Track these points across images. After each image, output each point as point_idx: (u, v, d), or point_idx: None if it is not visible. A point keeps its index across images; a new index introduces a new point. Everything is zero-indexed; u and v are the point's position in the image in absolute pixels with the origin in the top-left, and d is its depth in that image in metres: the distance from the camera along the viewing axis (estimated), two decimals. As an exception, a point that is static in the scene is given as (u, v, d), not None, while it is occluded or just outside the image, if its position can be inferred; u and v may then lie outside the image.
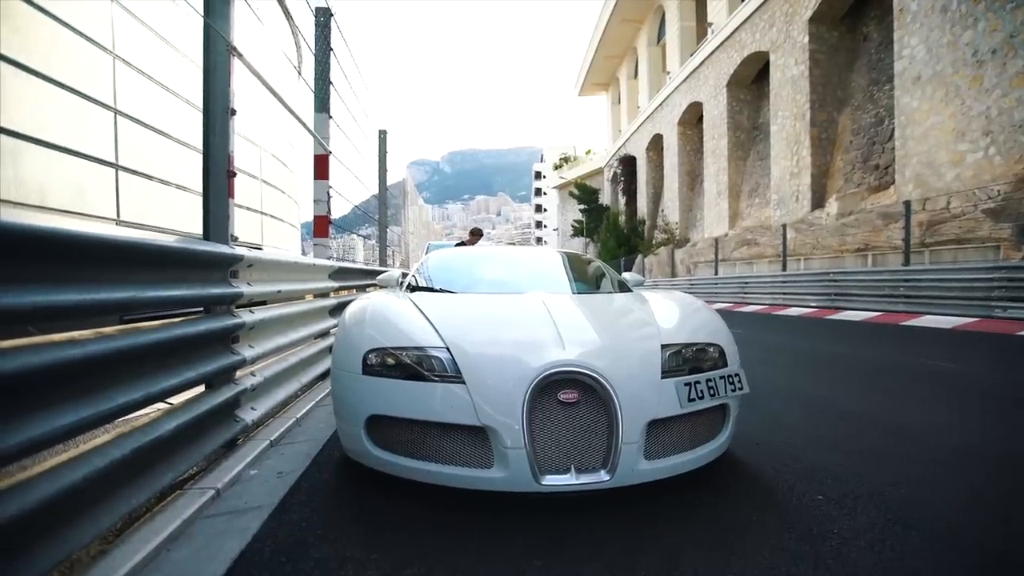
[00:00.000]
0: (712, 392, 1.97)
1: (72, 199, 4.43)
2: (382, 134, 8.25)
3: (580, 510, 1.78)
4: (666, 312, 2.38)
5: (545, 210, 76.27)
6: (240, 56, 2.58)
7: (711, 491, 1.95)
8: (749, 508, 1.81)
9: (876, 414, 3.09)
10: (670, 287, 19.76)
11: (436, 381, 1.83)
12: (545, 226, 76.32)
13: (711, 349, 2.13)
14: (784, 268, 13.89)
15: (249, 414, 2.56)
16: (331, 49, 4.60)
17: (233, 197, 2.53)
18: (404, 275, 3.42)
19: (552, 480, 1.69)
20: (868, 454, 2.36)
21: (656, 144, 28.26)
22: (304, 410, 3.13)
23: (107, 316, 1.61)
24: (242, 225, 7.36)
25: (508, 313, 2.26)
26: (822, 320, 10.17)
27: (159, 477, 1.79)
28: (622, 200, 34.41)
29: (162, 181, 5.47)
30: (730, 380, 2.06)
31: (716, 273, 17.68)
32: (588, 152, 51.92)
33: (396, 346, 1.97)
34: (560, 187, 54.27)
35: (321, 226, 4.44)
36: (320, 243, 4.45)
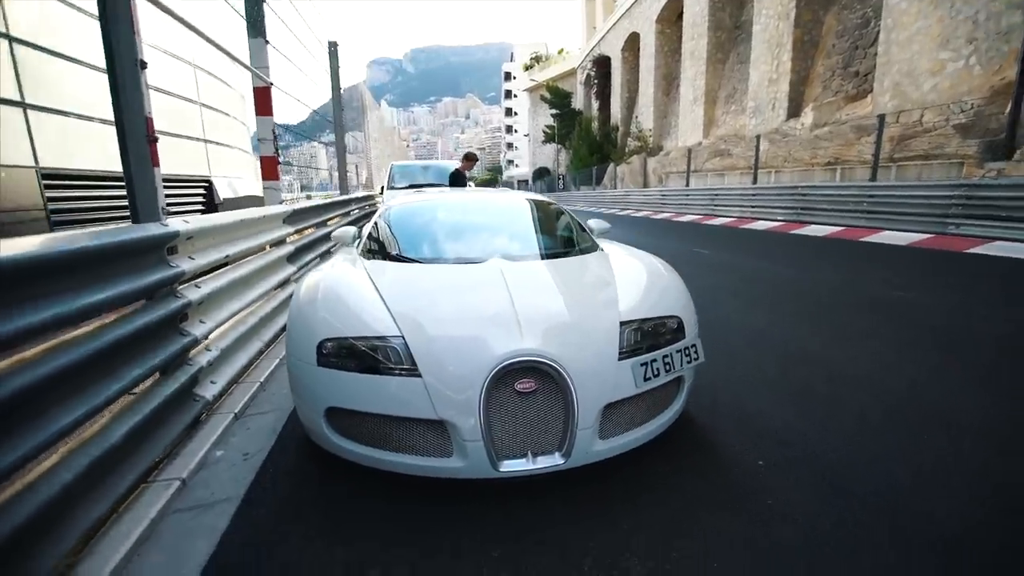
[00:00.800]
0: (668, 368, 2.01)
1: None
2: (332, 47, 7.41)
3: (539, 493, 1.87)
4: (629, 280, 2.35)
5: (516, 114, 72.53)
6: (140, -10, 2.16)
7: (663, 460, 2.06)
8: (695, 479, 1.94)
9: (821, 355, 3.25)
10: (643, 200, 19.66)
11: (392, 374, 1.81)
12: (516, 131, 73.09)
13: (670, 322, 2.14)
14: (755, 181, 13.89)
15: (209, 389, 2.53)
16: (257, -46, 3.90)
17: (158, 166, 2.27)
18: (360, 227, 3.25)
19: (510, 465, 1.75)
20: (811, 402, 2.52)
21: (632, 44, 26.48)
22: (267, 372, 3.09)
23: (33, 340, 1.48)
24: (186, 158, 6.68)
25: (465, 290, 2.20)
26: (786, 235, 10.39)
27: (120, 479, 1.78)
28: (595, 105, 32.93)
29: (81, 116, 4.77)
30: (687, 352, 2.10)
31: (687, 184, 17.59)
32: (561, 51, 48.39)
33: (351, 335, 1.91)
34: (531, 90, 51.22)
35: (269, 167, 4.08)
36: (270, 186, 4.13)
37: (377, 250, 2.72)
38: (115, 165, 5.67)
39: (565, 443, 1.78)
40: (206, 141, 7.03)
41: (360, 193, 9.40)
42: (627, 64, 27.63)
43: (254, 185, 7.75)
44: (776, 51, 14.98)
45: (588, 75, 33.48)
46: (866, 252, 7.74)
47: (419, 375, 1.78)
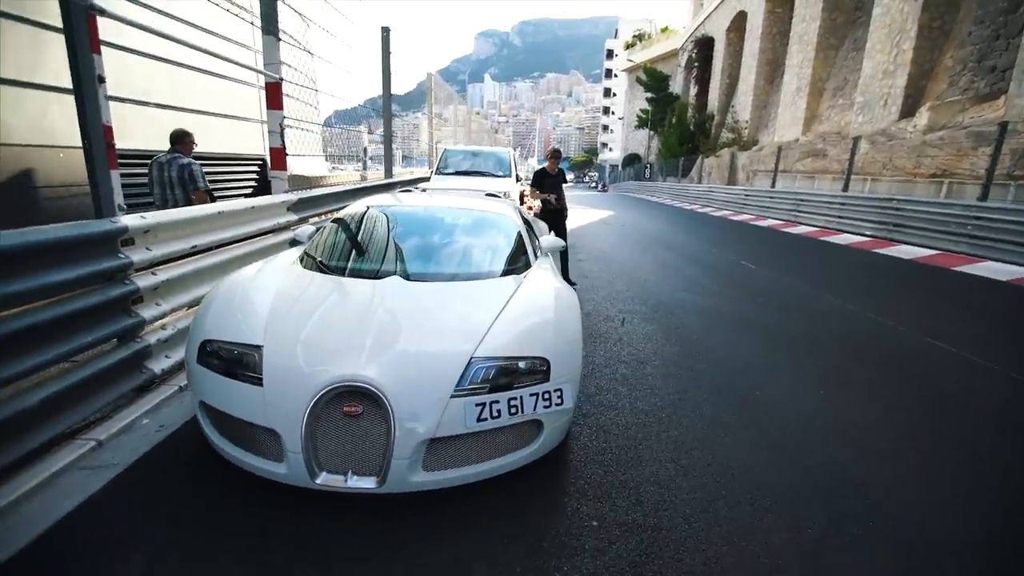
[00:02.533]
0: (513, 411, 2.00)
1: None
2: (384, 32, 7.70)
3: (363, 509, 1.99)
4: (515, 313, 2.33)
5: (614, 95, 69.96)
6: (105, 12, 2.47)
7: (508, 498, 2.08)
8: (509, 523, 1.95)
9: (790, 433, 2.97)
10: (725, 199, 18.35)
11: (244, 381, 2.00)
12: (613, 113, 70.64)
13: (535, 363, 2.11)
14: (846, 188, 12.41)
15: (161, 363, 2.91)
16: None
17: (116, 168, 2.62)
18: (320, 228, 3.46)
19: (327, 479, 1.87)
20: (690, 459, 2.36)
21: (739, 24, 24.32)
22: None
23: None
24: (242, 139, 7.37)
25: (344, 307, 2.32)
26: (868, 254, 9.25)
27: (40, 433, 2.16)
28: (693, 90, 30.87)
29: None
30: (545, 396, 2.07)
31: (773, 186, 16.11)
32: (664, 30, 45.60)
33: (224, 340, 2.12)
34: (629, 70, 49.01)
35: (277, 159, 4.46)
36: (276, 176, 4.51)
37: (308, 254, 2.92)
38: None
39: (381, 469, 1.88)
40: (263, 122, 7.73)
41: (408, 176, 9.78)
42: (731, 47, 25.48)
43: (310, 162, 8.33)
44: (897, 38, 13.04)
45: (689, 57, 31.37)
46: (956, 285, 6.70)
47: (262, 385, 1.95)
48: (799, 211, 13.62)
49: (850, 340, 4.29)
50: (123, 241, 2.65)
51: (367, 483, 1.88)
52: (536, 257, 3.18)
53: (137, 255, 2.69)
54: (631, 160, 47.48)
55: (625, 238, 10.94)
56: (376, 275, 2.61)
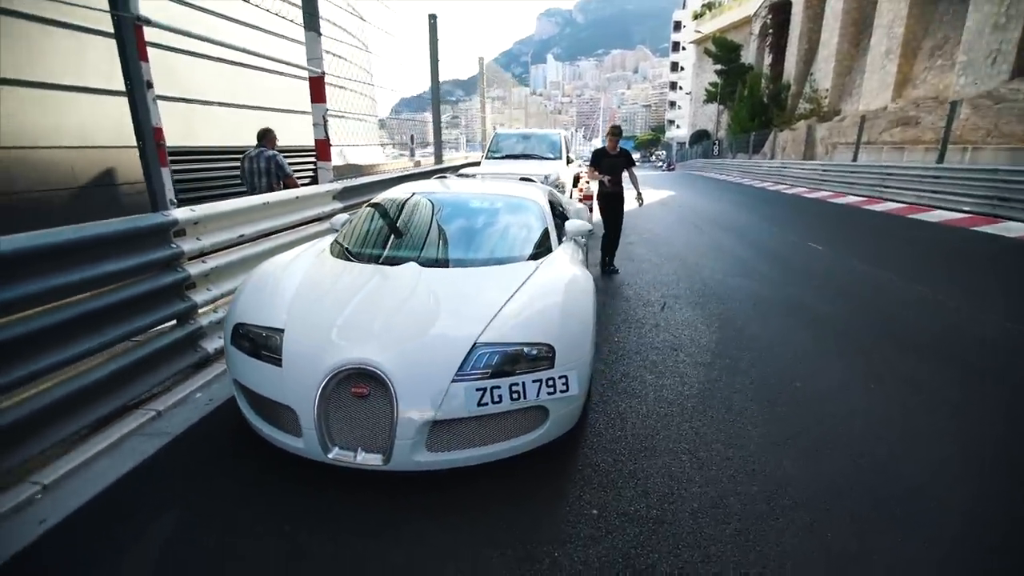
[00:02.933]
0: (515, 396, 2.02)
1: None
2: (431, 19, 7.78)
3: (374, 485, 2.10)
4: (526, 299, 2.33)
5: (682, 69, 66.29)
6: (150, 23, 2.69)
7: (510, 483, 2.11)
8: (515, 511, 1.97)
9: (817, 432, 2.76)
10: (799, 175, 17.02)
11: (267, 362, 2.16)
12: (680, 88, 67.05)
13: (540, 349, 2.11)
14: (941, 159, 11.06)
15: (214, 343, 3.19)
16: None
17: (167, 166, 2.87)
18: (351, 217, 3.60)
19: (339, 454, 2.00)
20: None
21: (821, -18, 22.10)
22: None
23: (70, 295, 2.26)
24: (299, 131, 7.78)
25: (362, 292, 2.41)
26: (965, 232, 8.28)
27: (106, 404, 2.47)
28: (768, 59, 28.58)
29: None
30: (549, 383, 2.07)
31: (855, 159, 14.68)
32: (737, -6, 42.19)
33: (254, 323, 2.29)
34: (698, 42, 46.11)
35: (323, 150, 4.67)
36: (322, 167, 4.74)
37: (337, 242, 3.06)
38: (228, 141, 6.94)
39: (386, 448, 1.97)
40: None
41: (462, 161, 9.91)
42: (810, 9, 23.22)
43: (366, 152, 8.65)
44: (1011, -16, 11.31)
45: (763, 24, 28.98)
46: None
47: (281, 366, 2.10)
48: (885, 186, 12.36)
49: (917, 332, 3.88)
50: (175, 232, 2.91)
51: (374, 460, 1.98)
52: (559, 242, 3.14)
53: (188, 245, 2.96)
54: (699, 137, 45.01)
55: (682, 219, 10.47)
56: (393, 262, 2.69)
